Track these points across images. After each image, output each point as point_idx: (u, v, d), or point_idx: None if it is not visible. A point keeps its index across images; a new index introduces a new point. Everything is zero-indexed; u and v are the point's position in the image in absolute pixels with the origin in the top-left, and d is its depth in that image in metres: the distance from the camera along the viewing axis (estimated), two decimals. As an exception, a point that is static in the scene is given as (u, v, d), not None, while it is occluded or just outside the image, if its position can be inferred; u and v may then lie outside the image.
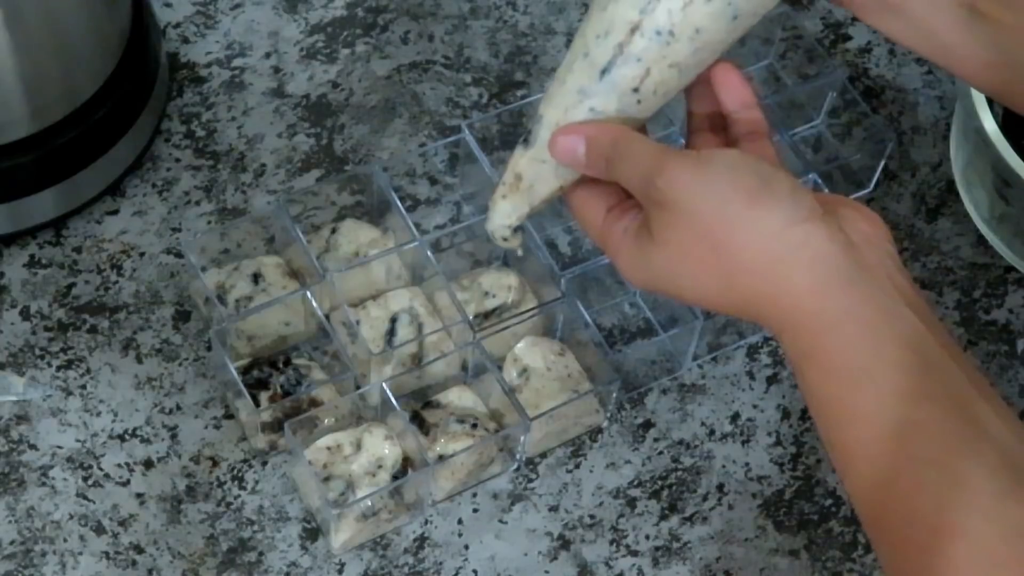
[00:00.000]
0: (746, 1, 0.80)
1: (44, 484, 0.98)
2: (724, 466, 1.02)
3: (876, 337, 0.72)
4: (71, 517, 0.97)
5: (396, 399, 0.97)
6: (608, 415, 1.03)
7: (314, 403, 0.99)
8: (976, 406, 0.71)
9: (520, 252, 0.91)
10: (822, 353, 0.73)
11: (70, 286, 1.05)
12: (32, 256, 1.06)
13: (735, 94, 0.82)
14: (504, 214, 0.86)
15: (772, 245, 0.74)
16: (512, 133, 1.11)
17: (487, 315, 1.03)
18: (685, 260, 0.77)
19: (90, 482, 0.98)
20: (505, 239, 0.88)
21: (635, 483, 1.01)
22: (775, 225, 0.74)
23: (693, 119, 0.85)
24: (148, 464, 0.99)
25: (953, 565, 0.68)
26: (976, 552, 0.68)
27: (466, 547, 0.98)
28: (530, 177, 0.85)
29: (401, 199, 1.05)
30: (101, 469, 0.99)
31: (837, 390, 0.73)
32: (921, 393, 0.71)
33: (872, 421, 0.71)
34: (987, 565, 0.67)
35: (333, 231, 1.06)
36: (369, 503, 0.96)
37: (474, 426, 0.99)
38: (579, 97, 0.82)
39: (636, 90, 0.81)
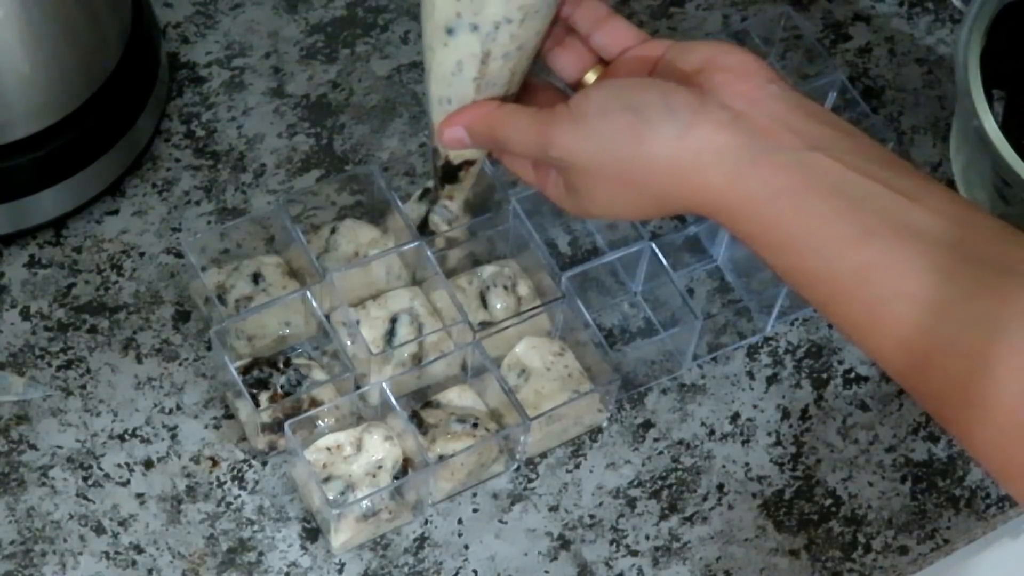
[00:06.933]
0: None
1: (44, 484, 0.98)
2: (724, 466, 1.02)
3: (798, 200, 0.74)
4: (71, 517, 0.97)
5: (396, 399, 0.97)
6: (608, 415, 1.03)
7: (314, 403, 0.99)
8: (911, 215, 0.73)
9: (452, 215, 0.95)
10: (762, 234, 0.76)
11: (70, 286, 1.05)
12: (32, 256, 1.06)
13: None
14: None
15: (675, 165, 0.77)
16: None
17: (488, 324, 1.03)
18: (614, 199, 0.80)
19: (90, 482, 0.98)
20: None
21: (635, 483, 1.01)
22: (668, 149, 0.76)
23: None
24: (148, 464, 0.99)
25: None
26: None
27: (466, 547, 0.98)
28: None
29: (401, 199, 1.05)
30: (101, 469, 0.99)
31: (790, 261, 0.75)
32: (862, 233, 0.73)
33: (831, 278, 0.74)
34: None
35: (333, 231, 1.06)
36: (369, 503, 0.96)
37: (474, 426, 0.99)
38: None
39: (513, 72, 0.84)
